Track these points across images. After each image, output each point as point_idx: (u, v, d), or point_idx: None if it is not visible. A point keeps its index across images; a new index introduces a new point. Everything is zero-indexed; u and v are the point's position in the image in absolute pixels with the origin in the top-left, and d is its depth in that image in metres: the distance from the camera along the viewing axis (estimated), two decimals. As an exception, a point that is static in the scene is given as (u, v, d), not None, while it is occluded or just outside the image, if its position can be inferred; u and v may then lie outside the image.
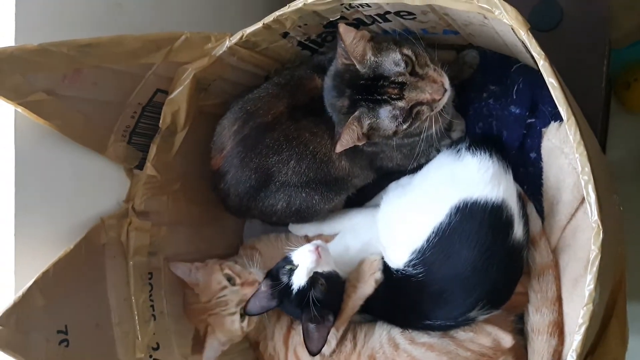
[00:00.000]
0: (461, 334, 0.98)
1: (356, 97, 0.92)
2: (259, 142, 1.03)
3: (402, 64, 0.89)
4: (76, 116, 0.94)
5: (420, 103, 0.91)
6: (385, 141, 0.99)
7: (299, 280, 0.97)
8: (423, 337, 0.99)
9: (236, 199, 1.10)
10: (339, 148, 0.94)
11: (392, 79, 0.89)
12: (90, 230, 0.98)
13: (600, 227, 0.63)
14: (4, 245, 0.90)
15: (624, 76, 1.63)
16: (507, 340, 0.96)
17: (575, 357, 0.65)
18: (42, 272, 0.88)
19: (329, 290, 0.97)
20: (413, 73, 0.90)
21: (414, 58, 0.90)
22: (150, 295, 1.07)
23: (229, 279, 1.08)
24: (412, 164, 1.06)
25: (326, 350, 1.03)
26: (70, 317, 0.91)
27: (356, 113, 0.92)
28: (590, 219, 0.63)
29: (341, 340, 1.04)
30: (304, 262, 0.97)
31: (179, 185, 1.15)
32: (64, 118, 0.92)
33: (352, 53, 0.90)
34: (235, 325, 1.06)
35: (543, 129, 0.96)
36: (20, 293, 0.84)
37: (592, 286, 0.63)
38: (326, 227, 1.17)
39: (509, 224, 0.93)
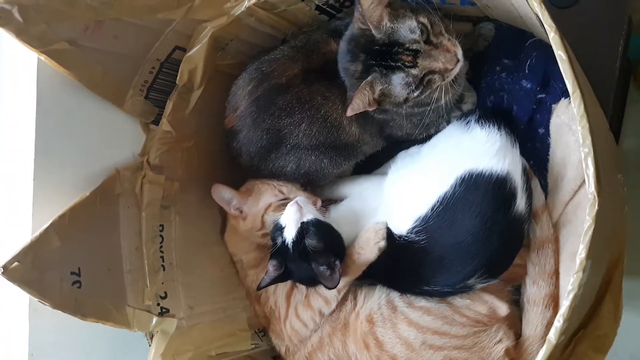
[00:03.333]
0: (458, 301, 1.00)
1: (370, 62, 0.93)
2: (272, 103, 1.04)
3: (418, 32, 0.90)
4: (96, 68, 0.97)
5: (433, 71, 0.91)
6: (396, 109, 1.00)
7: (290, 234, 1.02)
8: (421, 302, 1.01)
9: (247, 159, 1.12)
10: (349, 112, 0.95)
11: (407, 46, 0.90)
12: (106, 180, 1.02)
13: (596, 198, 0.64)
14: (23, 188, 0.94)
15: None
16: (503, 309, 0.98)
17: (562, 322, 0.67)
18: (59, 215, 0.91)
19: (322, 235, 1.01)
20: (428, 41, 0.91)
21: (429, 26, 0.91)
22: (161, 247, 1.11)
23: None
24: (420, 134, 1.07)
25: (326, 310, 1.07)
26: (83, 260, 0.94)
27: (369, 78, 0.93)
28: (587, 191, 0.65)
29: (341, 301, 1.07)
30: (289, 217, 1.03)
31: (193, 143, 1.17)
32: (84, 69, 0.95)
33: (368, 17, 0.91)
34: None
35: (553, 105, 0.97)
36: (37, 233, 0.88)
37: (583, 255, 0.65)
38: (334, 192, 1.19)
39: (511, 196, 0.94)
